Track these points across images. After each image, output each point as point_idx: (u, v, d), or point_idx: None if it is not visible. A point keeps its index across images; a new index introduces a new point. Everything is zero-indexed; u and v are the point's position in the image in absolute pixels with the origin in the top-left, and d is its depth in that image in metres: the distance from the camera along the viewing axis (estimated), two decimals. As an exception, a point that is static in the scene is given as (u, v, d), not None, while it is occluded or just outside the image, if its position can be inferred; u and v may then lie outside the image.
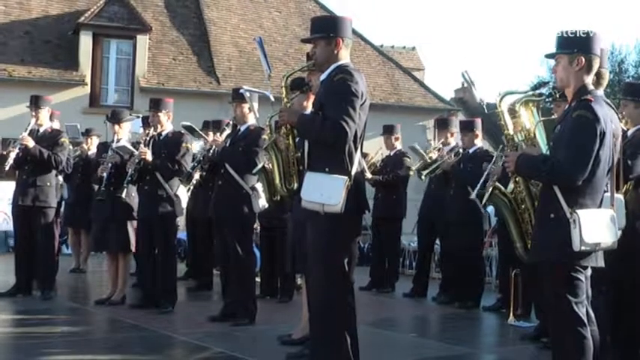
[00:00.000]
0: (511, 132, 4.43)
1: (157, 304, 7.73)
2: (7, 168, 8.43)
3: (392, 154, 10.26)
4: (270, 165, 5.77)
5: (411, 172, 9.86)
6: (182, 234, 12.13)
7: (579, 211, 3.95)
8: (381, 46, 26.60)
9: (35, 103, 8.69)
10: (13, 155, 8.34)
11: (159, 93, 17.17)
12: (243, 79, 20.04)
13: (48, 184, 8.58)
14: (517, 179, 4.39)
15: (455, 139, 9.49)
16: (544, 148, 4.43)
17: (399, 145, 10.33)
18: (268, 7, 23.72)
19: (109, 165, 7.97)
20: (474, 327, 8.01)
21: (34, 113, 8.62)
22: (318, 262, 4.66)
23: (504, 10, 75.22)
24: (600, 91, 4.78)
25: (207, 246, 9.69)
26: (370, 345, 5.85)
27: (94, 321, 7.76)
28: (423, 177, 9.29)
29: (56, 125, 9.13)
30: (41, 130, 8.66)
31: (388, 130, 10.31)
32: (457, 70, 67.01)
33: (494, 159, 8.48)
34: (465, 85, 8.24)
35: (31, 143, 8.36)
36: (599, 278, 4.47)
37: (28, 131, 8.46)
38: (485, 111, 6.24)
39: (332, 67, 4.77)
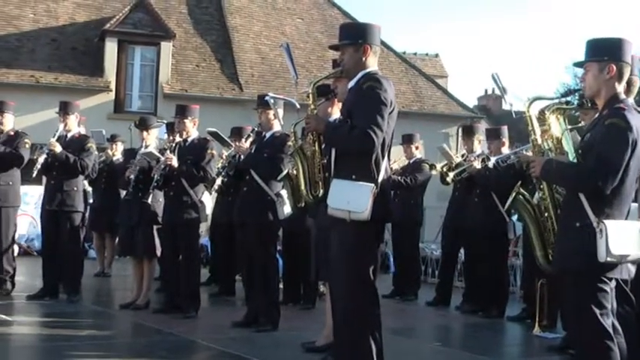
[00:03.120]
0: (538, 138, 4.40)
1: (180, 309, 7.75)
2: (35, 173, 8.53)
3: (411, 162, 10.23)
4: (296, 171, 5.78)
5: (434, 172, 9.83)
6: (204, 239, 12.18)
7: (606, 222, 3.89)
8: (404, 53, 26.59)
9: (64, 109, 8.78)
10: (41, 160, 8.43)
11: (182, 99, 17.28)
12: (266, 85, 20.12)
13: (75, 188, 8.66)
14: (541, 186, 4.36)
15: (481, 146, 9.44)
16: (572, 156, 4.38)
17: (418, 154, 10.31)
18: (291, 15, 23.80)
19: (137, 168, 8.03)
20: (498, 337, 7.95)
21: (62, 119, 8.72)
22: (344, 269, 4.65)
23: (528, 16, 75.00)
24: (631, 99, 4.74)
25: (230, 252, 9.71)
26: (394, 353, 5.81)
27: (119, 325, 7.82)
28: (449, 180, 9.24)
29: (82, 131, 9.21)
30: (69, 135, 8.75)
31: (407, 139, 10.27)
32: (481, 77, 66.79)
33: (507, 156, 8.47)
34: (496, 89, 8.14)
35: (58, 148, 8.44)
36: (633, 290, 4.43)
37: (56, 137, 8.56)
38: (514, 116, 6.20)
39: (360, 74, 4.76)
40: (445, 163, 9.59)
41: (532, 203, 4.40)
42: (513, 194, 4.43)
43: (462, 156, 9.62)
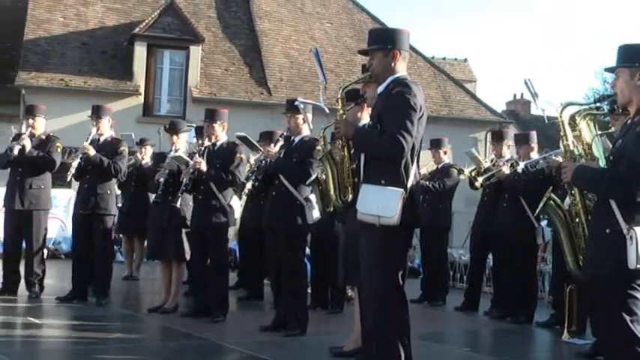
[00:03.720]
0: (570, 143, 4.38)
1: (208, 313, 7.77)
2: (69, 177, 8.62)
3: (439, 166, 10.22)
4: (325, 176, 5.79)
5: (463, 176, 9.81)
6: (232, 243, 12.22)
7: (637, 228, 3.87)
8: (433, 57, 26.53)
9: (96, 112, 8.87)
10: (75, 164, 8.53)
11: (211, 103, 17.41)
12: (295, 89, 20.16)
13: (108, 191, 8.74)
14: (573, 191, 4.34)
15: (510, 151, 9.39)
16: (602, 162, 4.36)
17: (447, 159, 10.29)
18: (320, 19, 23.84)
19: (166, 171, 8.08)
20: (526, 343, 7.91)
21: (94, 123, 8.80)
22: (373, 274, 4.65)
23: (557, 21, 74.53)
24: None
25: (258, 256, 9.72)
26: (422, 358, 5.78)
27: (147, 328, 7.85)
28: (478, 185, 9.21)
29: (113, 134, 9.28)
30: (102, 139, 8.83)
31: (436, 144, 10.28)
32: (509, 82, 66.36)
33: (536, 161, 8.43)
34: (526, 94, 8.13)
35: (92, 152, 8.53)
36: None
37: (89, 140, 8.64)
38: (546, 121, 6.19)
39: (389, 79, 4.76)
40: (474, 167, 9.56)
41: (563, 208, 4.38)
42: (544, 199, 4.41)
43: (491, 161, 9.58)
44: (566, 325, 7.55)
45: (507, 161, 9.02)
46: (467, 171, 9.69)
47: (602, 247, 4.00)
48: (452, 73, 25.53)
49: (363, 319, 5.00)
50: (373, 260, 4.62)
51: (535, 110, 32.07)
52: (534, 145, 8.86)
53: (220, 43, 22.00)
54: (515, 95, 36.37)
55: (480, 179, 9.13)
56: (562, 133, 4.40)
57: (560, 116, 4.40)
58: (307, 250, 8.79)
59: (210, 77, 20.98)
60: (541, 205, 4.45)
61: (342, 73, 20.93)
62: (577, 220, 4.32)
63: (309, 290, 8.37)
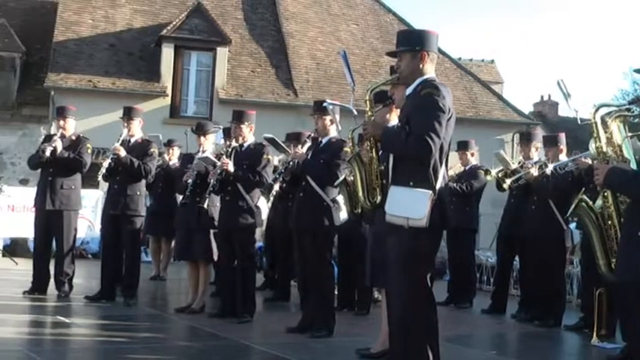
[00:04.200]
0: (603, 145, 4.34)
1: (235, 313, 7.79)
2: (99, 177, 8.69)
3: (467, 168, 10.19)
4: (353, 178, 5.78)
5: (489, 178, 9.78)
6: (259, 244, 12.25)
7: (669, 232, 3.84)
8: (459, 59, 26.42)
9: (128, 113, 8.95)
10: (105, 165, 8.60)
11: (237, 104, 17.44)
12: (321, 91, 20.15)
13: (138, 192, 8.81)
14: (605, 194, 4.30)
15: (539, 153, 9.34)
16: (633, 164, 4.33)
17: (474, 161, 10.25)
18: (346, 20, 23.81)
19: (195, 172, 8.10)
20: (555, 347, 7.84)
21: (126, 124, 8.87)
22: (401, 276, 4.63)
23: (585, 22, 73.92)
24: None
25: (285, 257, 9.74)
26: (449, 361, 5.79)
27: (174, 328, 7.89)
28: (505, 186, 9.16)
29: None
30: (132, 140, 8.90)
31: (463, 146, 10.27)
32: (536, 83, 65.86)
33: (565, 163, 8.38)
34: (553, 95, 8.08)
35: (122, 153, 8.60)
36: None
37: (120, 141, 8.71)
38: (579, 122, 6.15)
39: (417, 81, 4.75)
40: (501, 169, 9.53)
41: (595, 210, 4.34)
42: (576, 201, 4.38)
43: (519, 163, 9.53)
44: (595, 328, 7.49)
45: (536, 163, 8.96)
46: (494, 172, 9.66)
47: (634, 249, 3.96)
48: (479, 75, 25.42)
49: (391, 321, 4.99)
50: (401, 262, 4.61)
51: (563, 112, 31.85)
52: (563, 146, 8.80)
53: (247, 44, 22.04)
54: (542, 97, 36.09)
55: (508, 181, 9.08)
56: (595, 135, 4.37)
57: (594, 118, 4.37)
58: (334, 252, 8.79)
59: (237, 79, 21.03)
60: (573, 207, 4.42)
61: (369, 75, 20.89)
62: (609, 222, 4.28)
63: (335, 292, 8.36)
